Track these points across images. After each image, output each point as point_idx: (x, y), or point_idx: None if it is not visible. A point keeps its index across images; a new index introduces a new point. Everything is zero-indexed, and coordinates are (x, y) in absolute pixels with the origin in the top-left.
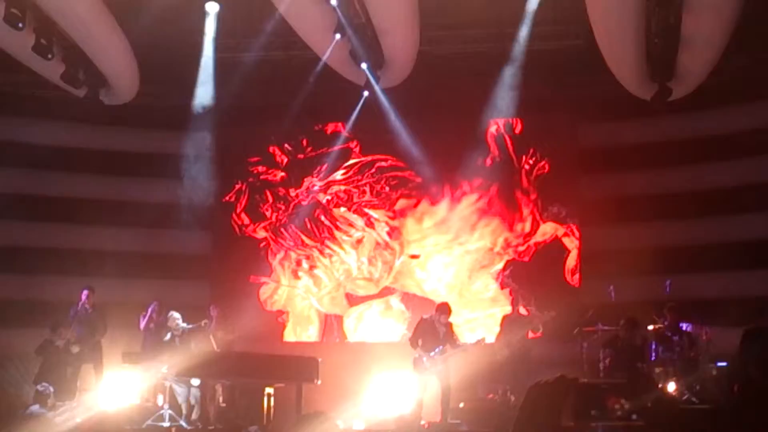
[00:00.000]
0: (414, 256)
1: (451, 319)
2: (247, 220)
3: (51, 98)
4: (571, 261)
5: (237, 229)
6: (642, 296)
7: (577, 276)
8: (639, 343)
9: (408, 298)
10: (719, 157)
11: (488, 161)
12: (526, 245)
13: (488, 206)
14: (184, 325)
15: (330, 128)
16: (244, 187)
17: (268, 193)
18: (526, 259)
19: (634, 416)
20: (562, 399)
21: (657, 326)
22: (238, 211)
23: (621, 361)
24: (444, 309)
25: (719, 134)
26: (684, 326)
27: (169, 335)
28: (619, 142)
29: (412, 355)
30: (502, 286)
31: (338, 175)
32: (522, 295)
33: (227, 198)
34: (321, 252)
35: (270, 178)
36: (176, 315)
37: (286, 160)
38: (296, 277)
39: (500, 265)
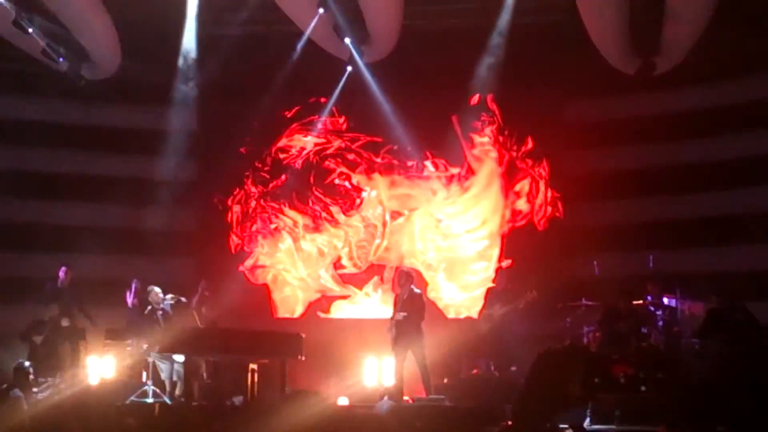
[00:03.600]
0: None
1: (413, 285)
2: (230, 196)
3: (32, 73)
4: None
5: (221, 205)
6: (625, 271)
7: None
8: (624, 330)
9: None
10: (704, 133)
11: (472, 136)
12: (510, 219)
13: (472, 181)
14: (167, 299)
15: (314, 103)
16: (227, 162)
17: (252, 168)
18: (508, 231)
19: (642, 387)
20: (571, 368)
21: (640, 301)
22: (222, 186)
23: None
24: (398, 274)
25: (704, 109)
26: (667, 301)
27: (149, 309)
28: (603, 117)
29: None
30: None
31: (325, 149)
32: (507, 269)
33: (210, 173)
34: (307, 228)
35: (254, 152)
36: (157, 289)
37: (269, 135)
38: (279, 250)
39: (485, 240)
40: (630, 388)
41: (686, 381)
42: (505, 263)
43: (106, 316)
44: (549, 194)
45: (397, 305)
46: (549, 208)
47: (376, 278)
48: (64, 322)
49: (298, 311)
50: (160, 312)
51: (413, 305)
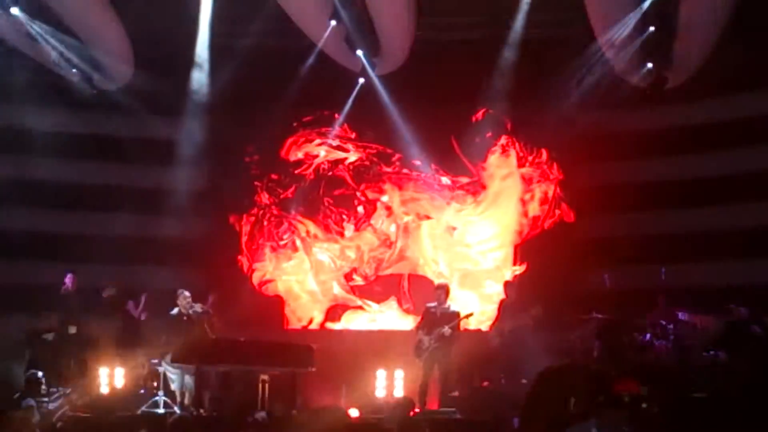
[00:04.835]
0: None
1: (450, 302)
2: (240, 206)
3: (44, 83)
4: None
5: (237, 225)
6: (637, 284)
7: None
8: (626, 341)
9: (413, 282)
10: (717, 146)
11: (483, 148)
12: (522, 229)
13: (485, 193)
14: (196, 306)
15: (326, 115)
16: (238, 173)
17: (262, 179)
18: (521, 242)
19: (644, 404)
20: (570, 385)
21: (651, 314)
22: (234, 196)
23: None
24: (438, 289)
25: (716, 122)
26: (678, 314)
27: (176, 310)
28: (615, 130)
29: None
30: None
31: (337, 160)
32: (515, 282)
33: (221, 183)
34: (318, 239)
35: (265, 163)
36: (187, 293)
37: (280, 146)
38: (290, 262)
39: (497, 251)
40: (635, 406)
41: (697, 395)
42: (519, 269)
43: (115, 325)
44: (555, 192)
45: (428, 319)
46: (557, 211)
47: (393, 298)
48: (71, 330)
49: (310, 323)
50: (185, 317)
51: (453, 321)
